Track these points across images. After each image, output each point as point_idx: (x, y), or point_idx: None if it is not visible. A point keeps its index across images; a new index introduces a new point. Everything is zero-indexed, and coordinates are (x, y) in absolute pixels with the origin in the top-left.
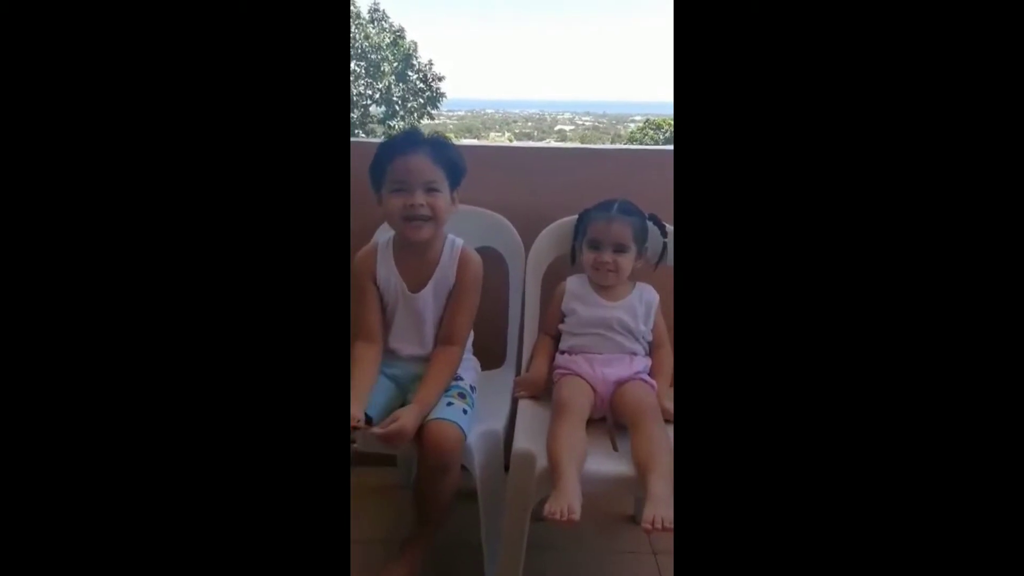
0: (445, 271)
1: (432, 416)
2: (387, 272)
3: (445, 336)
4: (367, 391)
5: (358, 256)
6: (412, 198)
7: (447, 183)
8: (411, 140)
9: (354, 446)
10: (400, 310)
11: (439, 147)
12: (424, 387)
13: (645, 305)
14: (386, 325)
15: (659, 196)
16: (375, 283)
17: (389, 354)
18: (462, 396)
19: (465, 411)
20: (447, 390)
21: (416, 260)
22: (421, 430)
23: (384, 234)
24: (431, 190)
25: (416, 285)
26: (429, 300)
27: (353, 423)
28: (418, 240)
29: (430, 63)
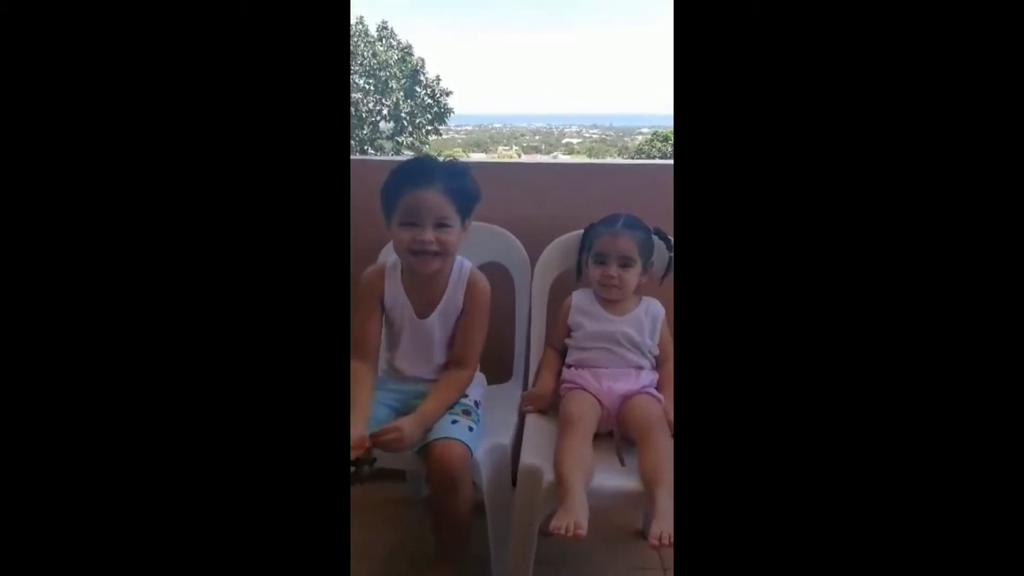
0: (453, 295)
1: (438, 435)
2: (394, 294)
3: (456, 359)
4: (366, 411)
5: (367, 275)
6: (422, 234)
7: (459, 216)
8: (423, 171)
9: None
10: (407, 333)
11: (452, 177)
12: (427, 402)
13: (651, 319)
14: (392, 345)
15: (664, 210)
16: (382, 303)
17: (394, 373)
18: (467, 413)
19: (471, 428)
20: (451, 407)
21: (423, 285)
22: (427, 450)
23: (392, 255)
24: (441, 225)
25: (423, 310)
26: (436, 325)
27: (363, 444)
28: (426, 273)
29: (437, 79)
